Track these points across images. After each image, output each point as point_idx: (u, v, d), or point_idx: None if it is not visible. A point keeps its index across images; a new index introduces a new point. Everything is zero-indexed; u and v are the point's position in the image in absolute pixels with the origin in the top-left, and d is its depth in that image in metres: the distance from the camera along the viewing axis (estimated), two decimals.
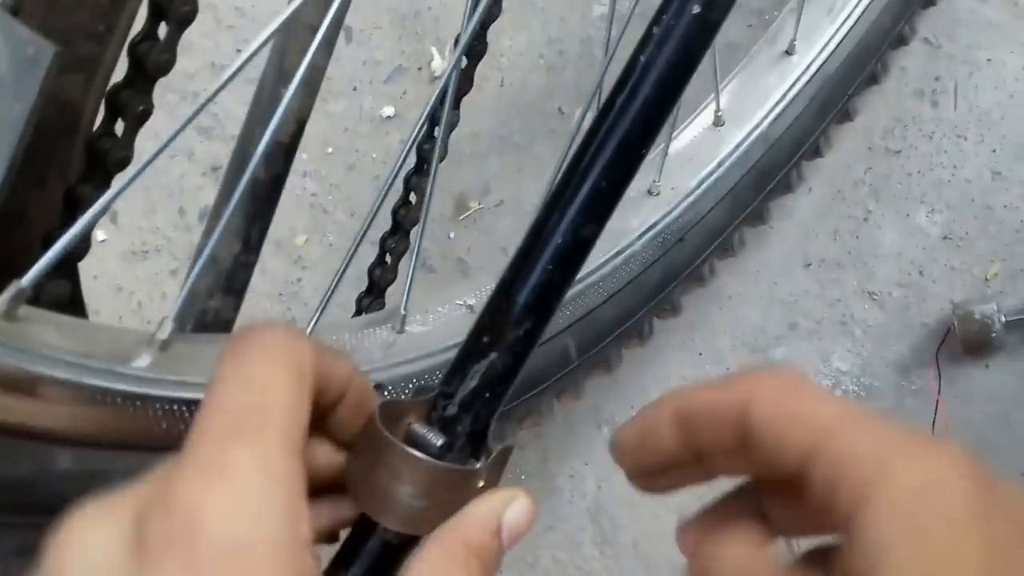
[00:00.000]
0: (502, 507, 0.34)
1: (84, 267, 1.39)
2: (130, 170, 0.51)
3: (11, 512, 0.45)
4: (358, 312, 0.78)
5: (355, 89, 1.30)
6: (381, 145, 1.27)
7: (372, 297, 0.78)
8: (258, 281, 1.27)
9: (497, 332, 0.43)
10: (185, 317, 0.65)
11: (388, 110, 1.28)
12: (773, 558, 0.33)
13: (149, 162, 0.51)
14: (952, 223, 1.00)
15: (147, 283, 1.30)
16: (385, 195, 0.61)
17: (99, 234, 1.31)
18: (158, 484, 0.27)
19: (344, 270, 0.60)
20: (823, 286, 1.05)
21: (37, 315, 0.48)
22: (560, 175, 0.44)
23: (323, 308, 0.61)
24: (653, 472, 0.36)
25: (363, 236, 0.61)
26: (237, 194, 0.56)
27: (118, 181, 0.53)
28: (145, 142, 1.33)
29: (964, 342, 0.95)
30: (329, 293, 0.60)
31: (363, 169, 1.27)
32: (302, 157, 1.29)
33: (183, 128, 0.51)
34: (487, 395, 0.44)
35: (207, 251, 0.55)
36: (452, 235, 1.18)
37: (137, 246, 1.32)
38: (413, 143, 0.62)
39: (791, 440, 0.30)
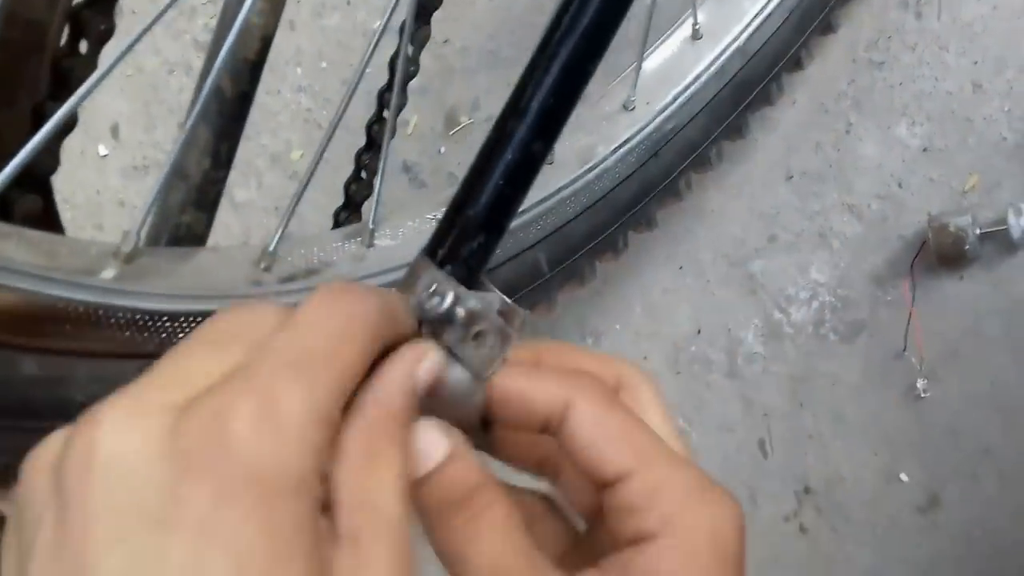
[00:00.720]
0: (414, 367, 0.33)
1: (87, 182, 1.41)
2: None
3: None
4: (336, 226, 0.80)
5: (348, 3, 1.30)
6: (375, 59, 1.28)
7: (348, 211, 0.80)
8: (255, 196, 1.30)
9: (451, 247, 0.45)
10: (159, 232, 0.68)
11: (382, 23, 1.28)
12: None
13: (105, 74, 0.53)
14: (932, 135, 1.00)
15: (149, 197, 1.33)
16: (346, 107, 0.62)
17: (101, 149, 1.33)
18: (207, 397, 0.27)
19: (305, 188, 0.62)
20: (803, 199, 1.06)
21: (2, 229, 0.51)
22: (511, 94, 0.46)
23: (286, 223, 0.63)
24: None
25: (323, 152, 0.63)
26: (197, 108, 0.58)
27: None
28: (146, 56, 1.33)
29: (938, 254, 0.96)
30: (291, 208, 0.62)
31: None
32: (296, 72, 1.30)
33: (138, 39, 0.53)
34: None
35: (169, 166, 0.57)
36: (443, 150, 1.19)
37: (139, 161, 1.34)
38: (369, 58, 0.64)
39: (605, 458, 0.34)
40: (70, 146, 1.35)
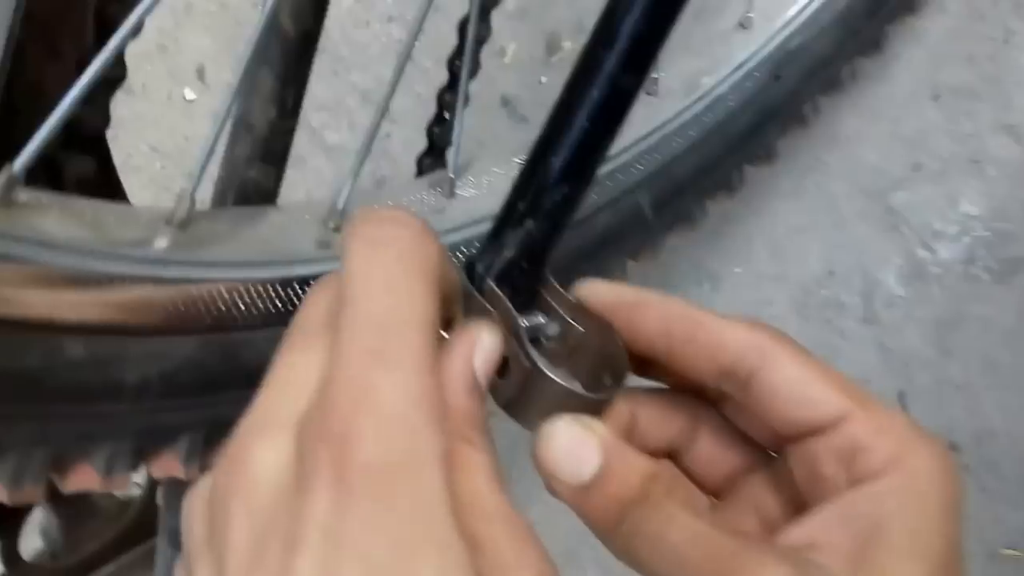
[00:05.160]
0: (470, 360, 0.33)
1: (176, 129, 1.38)
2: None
3: (24, 401, 0.45)
4: (420, 173, 0.74)
5: None
6: None
7: (432, 157, 0.74)
8: (347, 138, 1.25)
9: (533, 198, 0.41)
10: (225, 189, 0.63)
11: None
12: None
13: (147, 11, 0.48)
14: None
15: (203, 153, 1.31)
16: (416, 35, 0.56)
17: (187, 93, 1.30)
18: (313, 407, 0.28)
19: (372, 141, 0.57)
20: (953, 120, 0.93)
21: (40, 199, 0.47)
22: (598, 19, 0.39)
23: (355, 179, 0.57)
24: None
25: (392, 93, 0.56)
26: (251, 51, 0.52)
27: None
28: None
29: None
30: (360, 163, 0.57)
31: (448, 10, 1.20)
32: (386, 1, 1.23)
33: None
34: (524, 265, 0.42)
35: (223, 117, 0.52)
36: (544, 80, 1.11)
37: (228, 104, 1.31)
38: None
39: (820, 400, 0.33)
40: (156, 91, 1.33)
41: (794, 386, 0.33)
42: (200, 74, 1.28)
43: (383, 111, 0.59)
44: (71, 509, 0.76)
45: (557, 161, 0.41)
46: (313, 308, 0.31)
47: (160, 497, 0.72)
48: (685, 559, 0.32)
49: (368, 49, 1.20)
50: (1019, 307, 0.91)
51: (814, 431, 0.33)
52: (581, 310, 0.38)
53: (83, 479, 0.47)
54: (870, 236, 0.96)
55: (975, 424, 0.93)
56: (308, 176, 1.19)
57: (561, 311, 0.39)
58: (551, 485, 0.34)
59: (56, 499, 0.76)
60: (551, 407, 0.36)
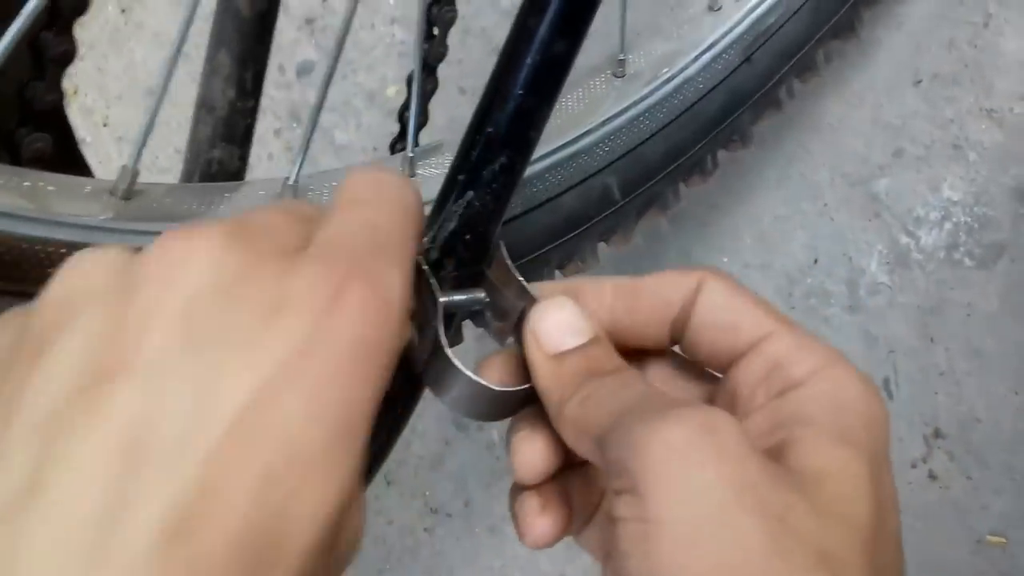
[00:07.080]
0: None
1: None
2: None
3: None
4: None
5: None
6: None
7: (404, 141, 0.74)
8: (354, 137, 1.26)
9: (472, 169, 0.41)
10: (191, 169, 0.64)
11: None
12: None
13: None
14: None
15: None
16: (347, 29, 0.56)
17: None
18: (320, 257, 0.27)
19: (319, 112, 0.57)
20: (934, 105, 0.93)
21: None
22: None
23: (306, 149, 0.58)
24: None
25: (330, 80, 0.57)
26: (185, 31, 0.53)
27: None
28: None
29: None
30: (309, 132, 0.57)
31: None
32: (389, 2, 1.24)
33: None
34: (468, 237, 0.42)
35: (160, 92, 0.52)
36: None
37: None
38: None
39: (744, 321, 0.34)
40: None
41: (720, 313, 0.34)
42: None
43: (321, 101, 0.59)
44: None
45: (494, 131, 0.41)
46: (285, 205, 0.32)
47: None
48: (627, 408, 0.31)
49: (373, 51, 1.21)
50: (1001, 292, 0.90)
51: (738, 356, 0.33)
52: (525, 291, 0.38)
53: None
54: (854, 224, 0.96)
55: (959, 411, 0.92)
56: None
57: (506, 291, 0.38)
58: (533, 351, 0.35)
59: None
60: (457, 388, 0.35)
